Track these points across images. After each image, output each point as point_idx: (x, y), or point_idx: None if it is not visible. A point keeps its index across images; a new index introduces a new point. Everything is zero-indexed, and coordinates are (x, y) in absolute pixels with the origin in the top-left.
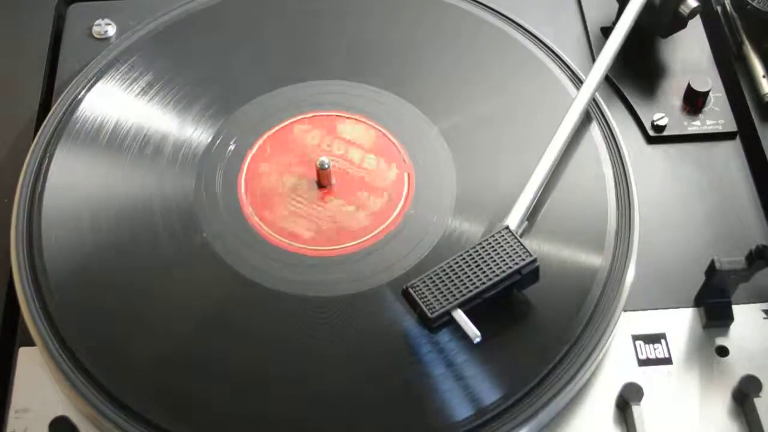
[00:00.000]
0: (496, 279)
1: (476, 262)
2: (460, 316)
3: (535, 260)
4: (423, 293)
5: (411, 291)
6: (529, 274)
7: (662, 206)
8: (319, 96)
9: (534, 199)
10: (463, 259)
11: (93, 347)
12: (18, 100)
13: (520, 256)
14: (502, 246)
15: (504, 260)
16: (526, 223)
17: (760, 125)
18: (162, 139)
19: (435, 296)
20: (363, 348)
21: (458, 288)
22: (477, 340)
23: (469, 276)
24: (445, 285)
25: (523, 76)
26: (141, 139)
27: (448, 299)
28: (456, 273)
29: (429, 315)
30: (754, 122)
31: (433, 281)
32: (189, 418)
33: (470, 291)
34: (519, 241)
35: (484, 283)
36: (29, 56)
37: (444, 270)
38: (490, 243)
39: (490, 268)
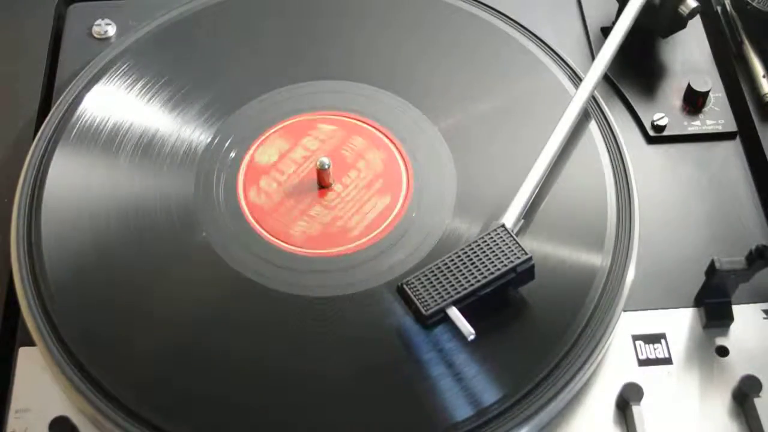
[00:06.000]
0: (491, 277)
1: (471, 260)
2: (454, 313)
3: (530, 258)
4: (418, 290)
5: (406, 288)
6: (525, 272)
7: (662, 206)
8: (318, 96)
9: (530, 197)
10: (459, 257)
11: (93, 347)
12: (18, 100)
13: (515, 254)
14: (497, 244)
15: (499, 258)
16: (522, 221)
17: (760, 125)
18: (162, 139)
19: (430, 293)
20: (362, 348)
21: (453, 285)
22: (471, 337)
23: (464, 274)
24: (440, 282)
25: (523, 76)
26: (141, 139)
27: (443, 296)
28: (451, 270)
29: (423, 312)
30: (754, 122)
31: (429, 278)
32: (189, 417)
33: (465, 289)
34: (515, 240)
35: (479, 281)
36: (29, 56)
37: (439, 267)
38: (485, 241)
39: (485, 266)
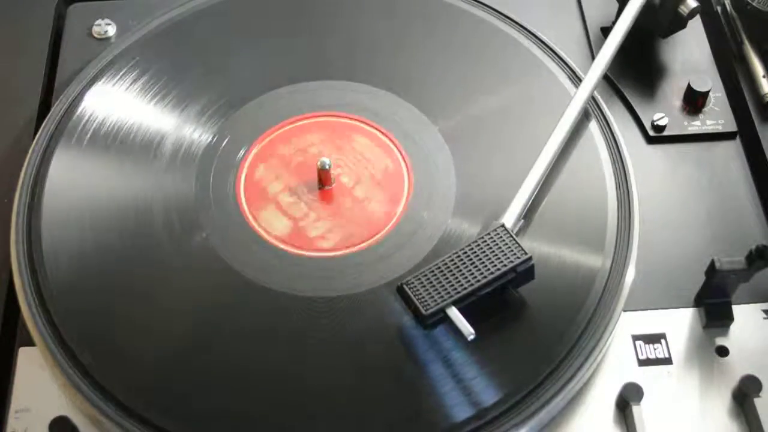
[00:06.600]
0: (491, 277)
1: (471, 259)
2: (454, 313)
3: (530, 258)
4: (417, 290)
5: (405, 288)
6: (524, 272)
7: (662, 206)
8: (319, 96)
9: (530, 197)
10: (459, 256)
11: (93, 347)
12: (18, 100)
13: (515, 254)
14: (497, 244)
15: (499, 258)
16: (522, 221)
17: (760, 125)
18: (162, 139)
19: (429, 293)
20: (363, 348)
21: (453, 285)
22: (471, 337)
23: (464, 273)
24: (440, 282)
25: (523, 76)
26: (141, 139)
27: (442, 296)
28: (451, 270)
29: (423, 312)
30: (754, 122)
31: (428, 278)
32: (189, 418)
33: (465, 288)
34: (514, 239)
35: (478, 281)
36: (29, 56)
37: (439, 267)
38: (485, 241)
39: (485, 265)
